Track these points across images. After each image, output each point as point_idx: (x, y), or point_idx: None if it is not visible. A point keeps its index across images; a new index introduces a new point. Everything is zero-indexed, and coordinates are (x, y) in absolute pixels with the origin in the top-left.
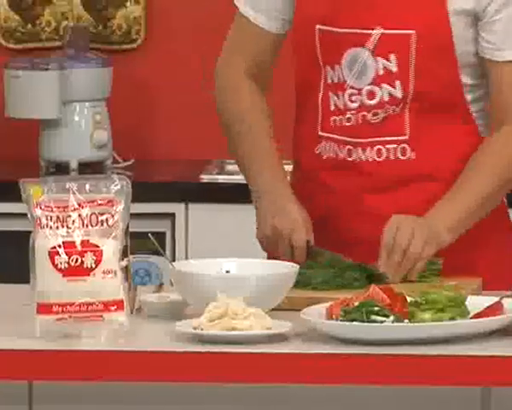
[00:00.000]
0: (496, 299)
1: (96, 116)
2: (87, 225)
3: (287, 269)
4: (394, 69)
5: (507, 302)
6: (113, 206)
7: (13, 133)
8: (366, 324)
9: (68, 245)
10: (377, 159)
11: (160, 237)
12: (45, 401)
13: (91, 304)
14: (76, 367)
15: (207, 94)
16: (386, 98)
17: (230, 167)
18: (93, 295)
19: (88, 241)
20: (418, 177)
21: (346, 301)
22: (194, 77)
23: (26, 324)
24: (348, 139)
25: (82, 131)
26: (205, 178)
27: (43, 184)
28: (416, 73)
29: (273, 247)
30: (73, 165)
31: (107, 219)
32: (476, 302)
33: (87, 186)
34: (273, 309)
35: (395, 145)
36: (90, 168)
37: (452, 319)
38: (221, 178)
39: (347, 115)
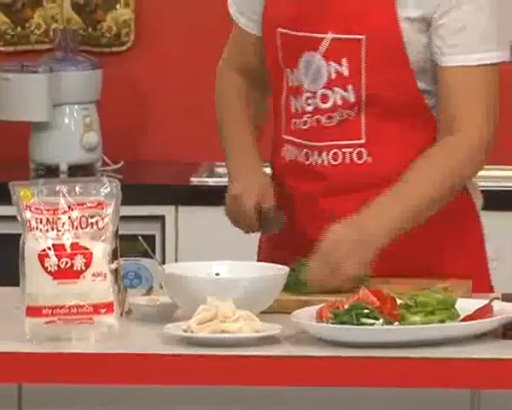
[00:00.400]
0: (485, 302)
1: (86, 119)
2: (77, 228)
3: (277, 272)
4: (346, 73)
5: (496, 305)
6: (102, 208)
7: (3, 136)
8: (356, 326)
9: (58, 248)
10: (333, 162)
11: (149, 239)
12: (35, 404)
13: (81, 307)
14: (66, 370)
15: (197, 96)
16: (340, 102)
17: (220, 170)
18: (83, 297)
19: (78, 243)
20: (374, 181)
21: (336, 304)
22: (184, 79)
23: (17, 326)
24: (305, 143)
25: (72, 133)
26: (195, 180)
27: (33, 187)
28: (368, 78)
29: (231, 215)
30: (63, 167)
31: (96, 222)
32: (466, 305)
33: (77, 189)
34: (263, 312)
35: (351, 149)
36: (80, 171)
37: (442, 321)
38: (211, 181)
39: (304, 119)
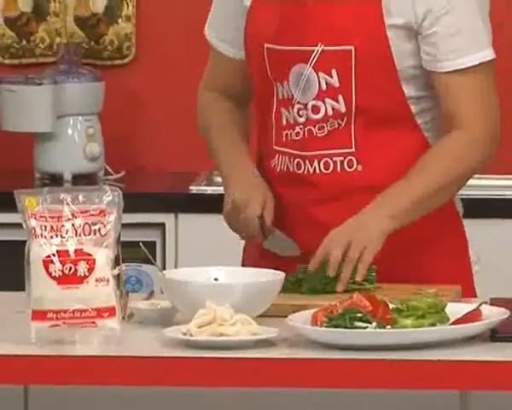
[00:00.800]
0: (474, 306)
1: (89, 130)
2: (80, 235)
3: (273, 277)
4: (336, 84)
5: (485, 309)
6: (105, 216)
7: (9, 146)
8: (350, 330)
9: (62, 254)
10: (325, 171)
11: (150, 246)
12: (41, 404)
13: (84, 311)
14: (70, 372)
15: (195, 109)
16: (331, 112)
17: (218, 179)
18: (86, 302)
19: (81, 250)
20: (364, 188)
21: (331, 308)
22: (183, 92)
23: (21, 330)
24: (297, 152)
25: (75, 144)
26: (193, 189)
27: (38, 195)
28: (358, 88)
29: (233, 222)
30: (67, 176)
31: (99, 229)
32: (456, 309)
33: (80, 197)
34: (260, 316)
35: (342, 158)
36: (83, 180)
37: (433, 325)
38: (209, 190)
39: (296, 129)
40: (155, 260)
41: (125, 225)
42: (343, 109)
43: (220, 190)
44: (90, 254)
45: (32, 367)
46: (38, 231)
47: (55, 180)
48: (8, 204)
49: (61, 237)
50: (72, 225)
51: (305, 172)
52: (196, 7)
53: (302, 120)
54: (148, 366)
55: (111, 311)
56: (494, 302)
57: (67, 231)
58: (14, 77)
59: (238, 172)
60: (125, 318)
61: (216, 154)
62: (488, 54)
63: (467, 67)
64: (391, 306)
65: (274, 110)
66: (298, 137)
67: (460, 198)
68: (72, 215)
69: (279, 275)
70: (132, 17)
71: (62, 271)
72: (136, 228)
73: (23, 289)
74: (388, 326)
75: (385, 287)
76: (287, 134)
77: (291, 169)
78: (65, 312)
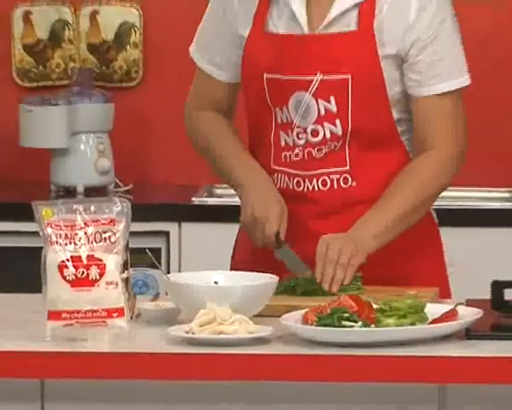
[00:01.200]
0: (451, 306)
1: (100, 146)
2: (92, 242)
3: (268, 280)
4: (334, 110)
5: (461, 309)
6: (114, 225)
7: (27, 161)
8: (337, 328)
9: (75, 259)
10: (322, 188)
11: (156, 252)
12: (56, 397)
13: (96, 311)
14: (82, 367)
15: None
16: (329, 136)
17: (218, 191)
18: (97, 303)
19: (93, 256)
20: (358, 202)
21: (320, 309)
22: None
23: (37, 328)
24: (296, 172)
25: (87, 159)
26: (196, 200)
27: (54, 206)
28: (353, 112)
29: (251, 233)
30: (80, 189)
31: (109, 237)
32: (434, 309)
33: (92, 208)
34: (256, 315)
35: (338, 175)
36: (94, 192)
37: (413, 324)
38: (210, 201)
39: (296, 151)
40: (160, 265)
41: (132, 233)
42: (340, 132)
43: (220, 201)
44: (100, 260)
45: (48, 363)
46: (54, 238)
47: (69, 192)
48: (27, 214)
49: (75, 244)
50: (85, 233)
51: (305, 189)
52: None
53: (301, 142)
54: (155, 361)
55: (120, 311)
56: (469, 303)
57: (80, 238)
58: (32, 98)
59: (254, 179)
60: (133, 317)
61: (222, 160)
62: (466, 79)
63: (444, 91)
64: (375, 306)
65: (272, 133)
66: (297, 158)
67: (436, 209)
68: (85, 224)
69: (273, 279)
70: (139, 44)
71: (75, 275)
72: (143, 236)
73: (39, 292)
74: (373, 325)
75: (369, 289)
76: (285, 155)
77: (290, 187)
78: (78, 312)
